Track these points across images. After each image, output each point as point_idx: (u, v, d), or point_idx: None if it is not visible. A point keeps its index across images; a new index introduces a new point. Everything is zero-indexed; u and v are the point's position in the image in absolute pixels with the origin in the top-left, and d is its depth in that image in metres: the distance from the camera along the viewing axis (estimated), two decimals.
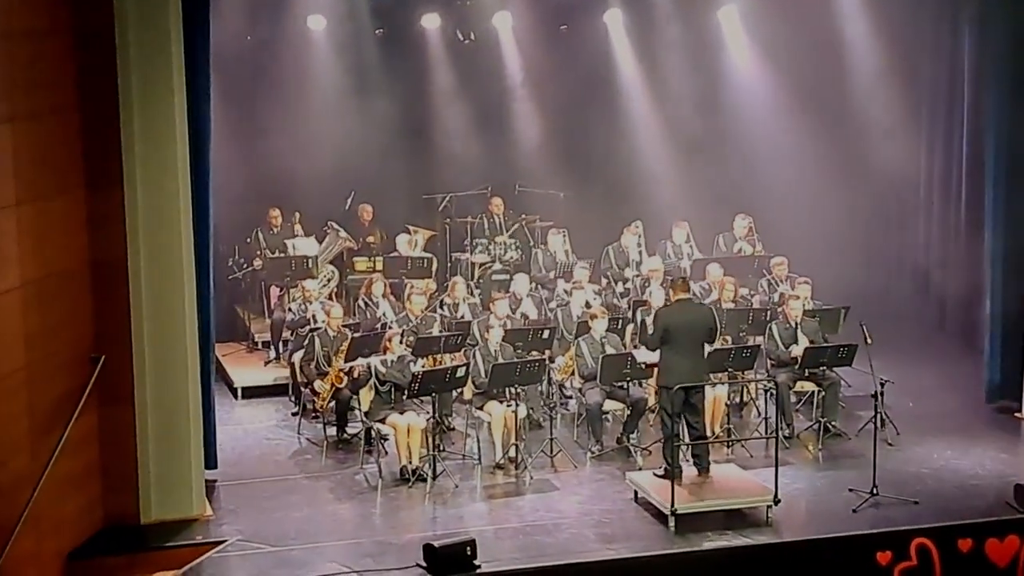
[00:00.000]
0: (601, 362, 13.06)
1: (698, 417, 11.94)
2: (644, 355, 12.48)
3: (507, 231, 18.17)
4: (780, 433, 13.52)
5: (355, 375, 12.75)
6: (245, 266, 16.89)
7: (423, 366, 13.17)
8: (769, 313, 14.58)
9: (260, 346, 16.50)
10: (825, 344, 13.83)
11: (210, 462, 12.38)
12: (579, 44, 18.65)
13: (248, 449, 13.51)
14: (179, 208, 11.08)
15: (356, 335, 13.49)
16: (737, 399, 14.67)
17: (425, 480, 12.36)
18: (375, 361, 12.70)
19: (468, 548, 10.28)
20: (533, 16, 18.40)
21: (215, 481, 12.37)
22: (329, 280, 16.52)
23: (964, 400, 14.91)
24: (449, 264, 18.17)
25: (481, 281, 17.39)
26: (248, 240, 17.28)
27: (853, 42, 17.76)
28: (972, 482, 12.36)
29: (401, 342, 12.86)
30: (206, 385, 12.19)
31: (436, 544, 10.26)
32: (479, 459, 12.95)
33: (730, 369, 13.42)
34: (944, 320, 17.68)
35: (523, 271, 16.95)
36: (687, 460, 12.16)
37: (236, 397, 15.31)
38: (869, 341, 12.97)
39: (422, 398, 12.66)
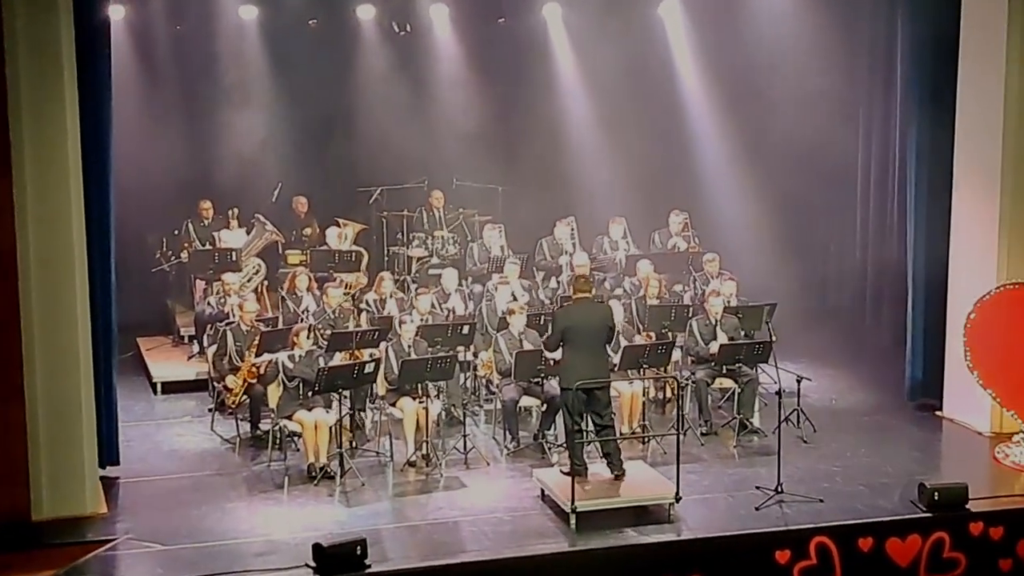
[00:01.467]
0: (515, 358, 12.95)
1: (604, 415, 11.81)
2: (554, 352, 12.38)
3: (446, 225, 18.03)
4: (699, 430, 13.53)
5: (261, 371, 12.61)
6: (172, 258, 16.71)
7: (341, 361, 13.02)
8: (692, 310, 14.47)
9: (186, 340, 16.35)
10: (741, 341, 13.71)
11: (112, 458, 12.26)
12: (517, 37, 18.51)
13: (158, 445, 13.38)
14: (70, 200, 10.95)
15: (266, 330, 13.34)
16: (660, 396, 14.57)
17: (333, 478, 12.23)
18: (282, 357, 12.58)
19: (358, 547, 10.16)
20: (470, 8, 18.27)
21: (116, 478, 12.23)
22: (255, 273, 16.34)
23: (886, 397, 14.86)
24: (386, 258, 18.03)
25: (419, 275, 17.26)
26: (177, 232, 17.13)
27: (791, 35, 17.61)
28: (881, 480, 12.28)
29: (309, 336, 12.67)
30: (107, 381, 12.08)
31: (325, 543, 10.10)
32: (391, 456, 12.81)
33: (646, 366, 13.28)
34: (880, 317, 17.61)
35: (460, 265, 16.88)
36: (601, 458, 12.02)
37: (156, 392, 15.14)
38: (774, 339, 12.83)
39: (341, 394, 12.47)
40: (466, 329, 13.91)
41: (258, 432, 13.34)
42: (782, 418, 12.30)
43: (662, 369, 13.79)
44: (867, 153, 17.92)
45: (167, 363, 15.79)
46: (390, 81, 18.21)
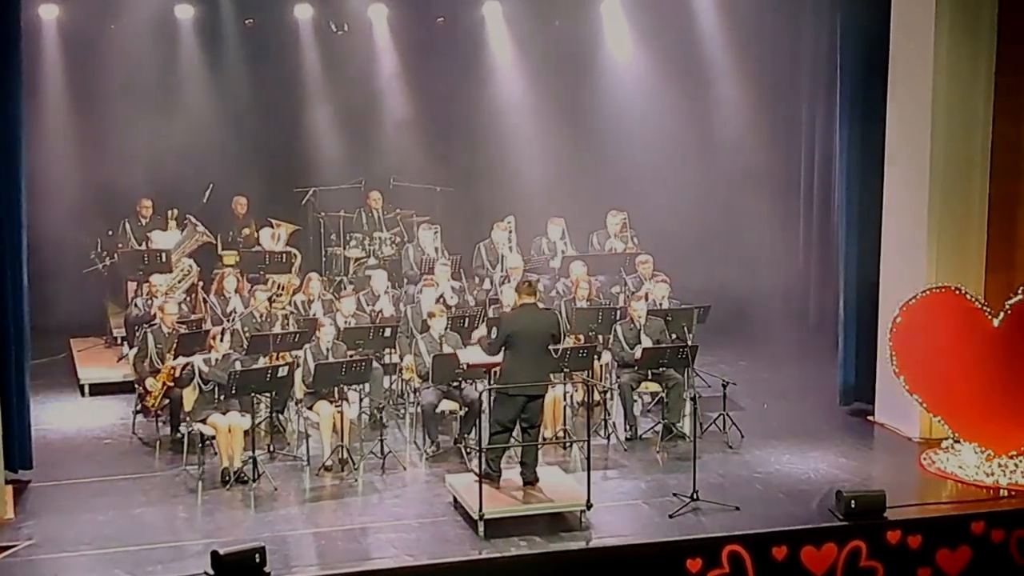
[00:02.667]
0: (432, 361, 12.80)
1: (534, 425, 11.65)
2: (468, 355, 12.21)
3: (386, 226, 17.88)
4: (623, 435, 13.35)
5: (176, 373, 12.44)
6: (106, 258, 16.51)
7: (266, 364, 12.85)
8: (619, 313, 14.32)
9: (119, 341, 16.15)
10: (665, 345, 13.57)
11: (24, 462, 12.08)
12: (456, 37, 18.35)
13: (77, 448, 13.22)
14: None
15: (184, 332, 13.17)
16: (588, 400, 14.38)
17: (246, 482, 12.06)
18: (197, 360, 12.41)
19: (257, 555, 10.00)
20: (409, 8, 18.12)
21: (28, 482, 12.05)
22: (187, 275, 16.14)
23: (821, 403, 14.71)
24: (324, 259, 17.87)
25: (356, 277, 17.09)
26: (111, 232, 16.94)
27: (733, 36, 17.51)
28: (801, 487, 12.15)
29: (223, 340, 12.50)
30: (19, 384, 11.91)
31: (222, 551, 9.93)
32: (307, 461, 12.64)
33: (567, 370, 13.12)
34: (822, 320, 17.49)
35: (396, 267, 16.75)
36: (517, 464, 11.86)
37: (83, 394, 14.96)
38: (689, 343, 12.72)
39: (254, 398, 12.31)
40: (388, 332, 13.74)
41: (178, 435, 13.13)
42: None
43: (587, 373, 13.67)
44: (810, 156, 17.78)
45: (96, 365, 15.58)
46: (328, 81, 18.03)
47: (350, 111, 18.14)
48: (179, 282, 16.03)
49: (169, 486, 12.17)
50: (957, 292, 12.67)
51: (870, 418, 14.12)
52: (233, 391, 11.99)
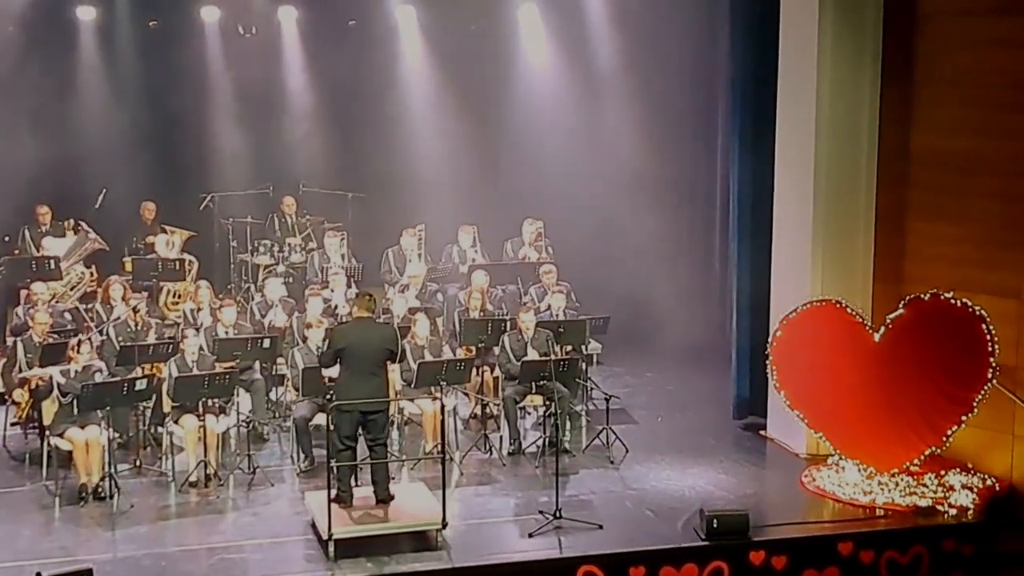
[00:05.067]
0: (302, 374, 12.50)
1: (379, 441, 11.33)
2: (333, 369, 11.89)
3: (299, 232, 17.60)
4: (505, 449, 13.06)
5: (33, 385, 12.13)
6: None
7: (134, 375, 12.55)
8: (509, 324, 14.02)
9: None
10: (543, 358, 13.26)
11: None
12: (368, 40, 18.05)
13: None
14: None
15: (49, 343, 12.84)
16: (477, 413, 14.11)
17: (104, 499, 11.75)
18: (54, 371, 12.09)
19: None
20: (320, 11, 17.82)
21: None
22: (78, 283, 15.81)
23: (717, 416, 14.39)
24: (232, 266, 17.58)
25: (264, 284, 16.75)
26: (7, 238, 16.63)
27: (659, 46, 17.15)
28: (672, 505, 11.86)
29: (79, 351, 12.16)
30: None
31: (46, 574, 9.61)
32: (172, 476, 12.34)
33: (444, 382, 12.79)
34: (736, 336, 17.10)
35: (301, 274, 16.50)
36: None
37: None
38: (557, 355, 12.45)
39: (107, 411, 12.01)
40: (268, 343, 13.43)
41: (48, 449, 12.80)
42: (558, 440, 11.95)
43: (467, 386, 13.41)
44: (725, 175, 17.36)
45: None
46: (235, 85, 17.73)
47: (258, 115, 17.84)
48: (71, 289, 15.68)
49: (23, 502, 11.88)
50: (838, 306, 12.38)
51: (762, 433, 13.82)
52: (84, 404, 11.59)
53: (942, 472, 12.29)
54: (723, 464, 13.02)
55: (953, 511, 11.67)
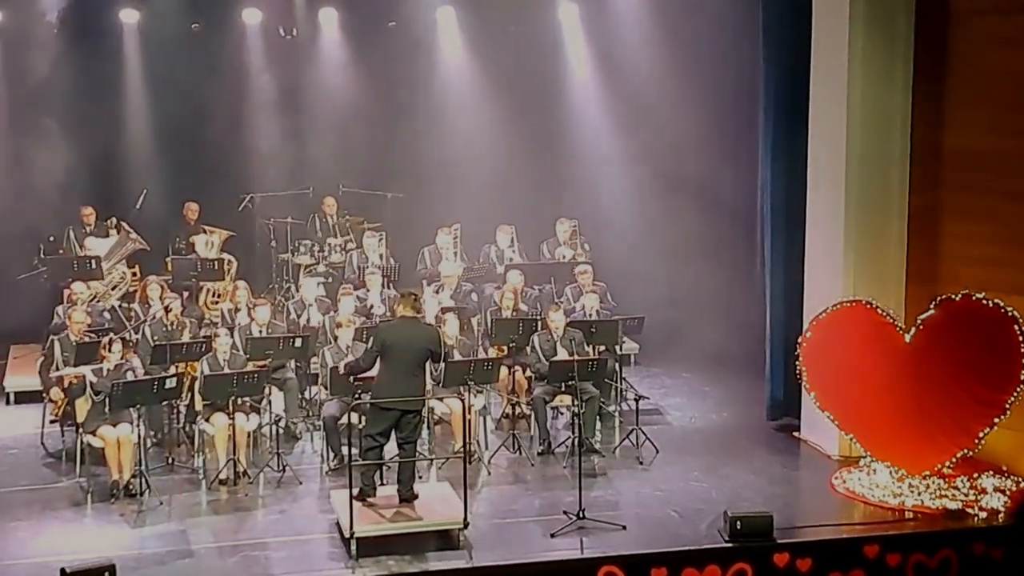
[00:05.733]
0: (329, 373, 12.59)
1: (410, 440, 11.37)
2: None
3: (339, 232, 17.71)
4: (536, 449, 13.05)
5: (66, 384, 12.28)
6: (40, 266, 16.40)
7: (168, 374, 12.68)
8: (540, 324, 14.02)
9: None
10: (577, 358, 13.23)
11: None
12: (408, 41, 18.12)
13: None
14: None
15: (86, 341, 13.00)
16: (509, 412, 14.12)
17: (135, 495, 11.89)
18: (86, 370, 12.24)
19: (107, 573, 9.78)
20: (360, 12, 17.92)
21: None
22: (121, 282, 16.00)
23: (752, 417, 14.33)
24: (274, 266, 17.72)
25: (299, 284, 16.89)
26: (52, 238, 16.86)
27: (693, 47, 17.05)
28: (698, 506, 11.79)
29: (110, 349, 12.30)
30: None
31: (70, 569, 9.74)
32: (203, 474, 12.46)
33: (472, 382, 12.81)
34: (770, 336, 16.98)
35: (341, 274, 16.61)
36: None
37: (8, 402, 14.86)
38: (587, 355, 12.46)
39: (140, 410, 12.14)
40: (299, 342, 13.52)
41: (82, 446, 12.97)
42: (577, 440, 11.94)
43: (499, 385, 13.44)
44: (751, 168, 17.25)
45: (26, 373, 15.42)
46: (275, 85, 17.88)
47: (298, 117, 17.96)
48: (112, 289, 15.87)
49: (57, 499, 12.02)
50: (868, 306, 12.27)
51: (795, 434, 13.72)
52: (114, 403, 11.73)
53: (975, 475, 12.15)
54: (754, 465, 12.95)
55: (984, 514, 11.53)
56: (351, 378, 11.87)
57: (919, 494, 11.90)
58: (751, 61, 14.62)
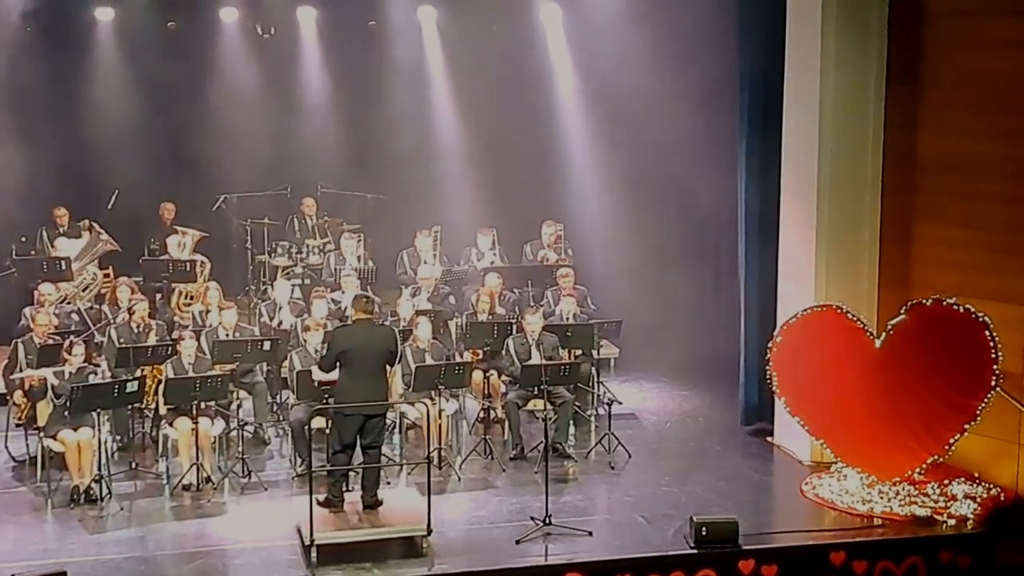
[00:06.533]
0: (296, 377, 12.46)
1: (375, 445, 11.25)
2: (320, 373, 11.80)
3: (318, 234, 17.58)
4: (508, 454, 12.94)
5: (26, 387, 12.15)
6: (9, 267, 16.26)
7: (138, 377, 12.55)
8: (515, 327, 13.88)
9: None
10: (549, 362, 13.10)
11: None
12: (388, 41, 17.97)
13: None
14: None
15: (48, 344, 12.86)
16: (484, 416, 13.97)
17: (95, 501, 11.75)
18: (48, 372, 12.11)
19: None
20: (339, 11, 17.78)
21: None
22: (91, 283, 15.86)
23: (725, 422, 14.21)
24: (251, 268, 17.58)
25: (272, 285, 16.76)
26: (24, 239, 16.72)
27: (678, 58, 16.88)
28: (667, 512, 11.67)
29: (71, 352, 12.16)
30: None
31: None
32: (167, 479, 12.33)
33: (442, 386, 12.68)
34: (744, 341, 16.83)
35: (318, 276, 16.49)
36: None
37: None
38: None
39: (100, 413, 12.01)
40: (268, 345, 13.38)
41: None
42: (547, 444, 11.80)
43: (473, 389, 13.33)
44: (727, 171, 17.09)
45: None
46: (253, 84, 17.73)
47: (276, 116, 17.83)
48: (83, 290, 15.73)
49: (17, 504, 11.90)
50: (838, 311, 12.14)
51: (769, 440, 13.59)
52: (73, 406, 11.60)
53: (945, 481, 12.03)
54: (725, 471, 12.83)
55: (952, 521, 11.41)
56: (316, 383, 11.71)
57: (888, 500, 11.78)
58: (729, 64, 14.47)
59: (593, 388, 13.97)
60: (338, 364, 11.26)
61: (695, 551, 10.79)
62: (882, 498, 11.81)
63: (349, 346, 11.19)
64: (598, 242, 17.13)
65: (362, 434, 11.15)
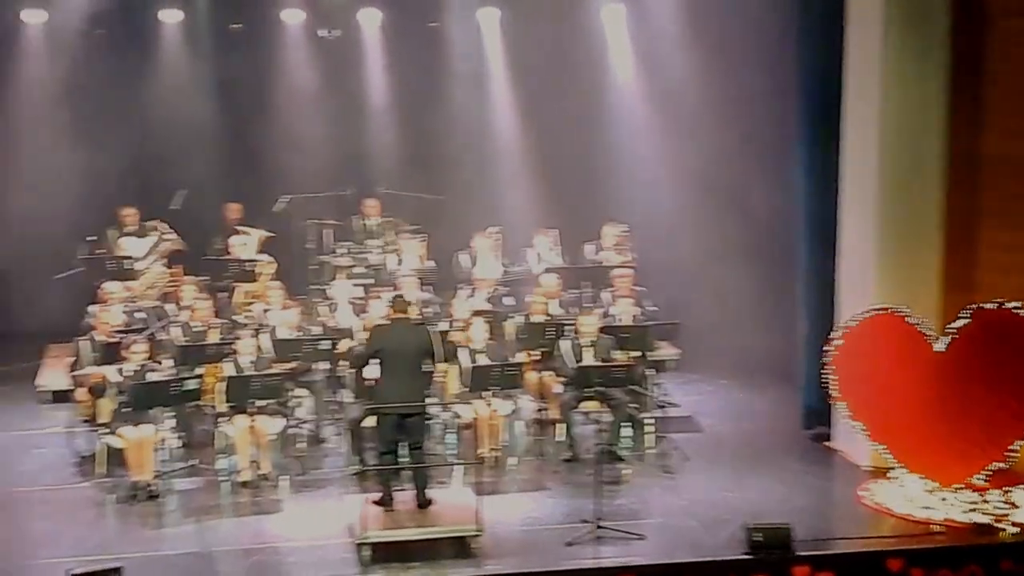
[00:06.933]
0: (352, 377, 12.52)
1: (418, 445, 11.27)
2: (372, 371, 11.84)
3: (379, 234, 17.65)
4: (562, 455, 12.90)
5: (88, 384, 12.31)
6: (77, 265, 16.47)
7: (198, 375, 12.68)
8: (569, 328, 13.85)
9: None
10: (602, 363, 13.05)
11: None
12: (450, 41, 18.03)
13: (3, 457, 13.18)
14: None
15: (111, 341, 13.03)
16: (541, 416, 13.94)
17: (155, 497, 11.88)
18: (110, 370, 12.26)
19: None
20: (402, 12, 17.86)
21: None
22: (157, 282, 16.04)
23: (785, 426, 14.07)
24: (313, 268, 17.66)
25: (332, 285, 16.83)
26: (93, 238, 16.92)
27: (730, 52, 16.78)
28: (722, 517, 11.55)
29: (131, 349, 12.31)
30: None
31: (75, 572, 9.72)
32: (228, 476, 12.45)
33: (496, 387, 12.68)
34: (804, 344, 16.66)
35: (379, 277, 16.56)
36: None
37: (42, 402, 14.93)
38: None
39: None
40: (326, 344, 13.45)
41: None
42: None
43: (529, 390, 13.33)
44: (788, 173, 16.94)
45: (62, 372, 15.50)
46: (316, 86, 17.86)
47: (339, 118, 17.93)
48: (148, 289, 15.91)
49: (79, 500, 12.04)
50: (898, 314, 12.00)
51: (828, 444, 13.45)
52: (133, 404, 11.74)
53: (1007, 489, 11.83)
54: (783, 475, 12.71)
55: (1015, 529, 11.21)
56: (365, 381, 11.77)
57: (948, 507, 11.61)
58: (789, 64, 14.34)
59: (649, 390, 13.87)
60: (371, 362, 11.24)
61: (748, 556, 10.67)
62: (942, 504, 11.65)
63: (382, 345, 11.29)
64: (658, 243, 17.01)
65: (403, 434, 11.16)
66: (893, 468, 12.34)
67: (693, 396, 15.24)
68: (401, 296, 11.74)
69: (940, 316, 12.54)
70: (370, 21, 17.91)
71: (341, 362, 13.66)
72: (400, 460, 11.37)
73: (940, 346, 11.90)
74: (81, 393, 13.11)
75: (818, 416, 13.76)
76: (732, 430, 14.14)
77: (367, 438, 12.62)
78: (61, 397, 14.83)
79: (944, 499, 11.76)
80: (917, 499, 11.79)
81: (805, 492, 12.35)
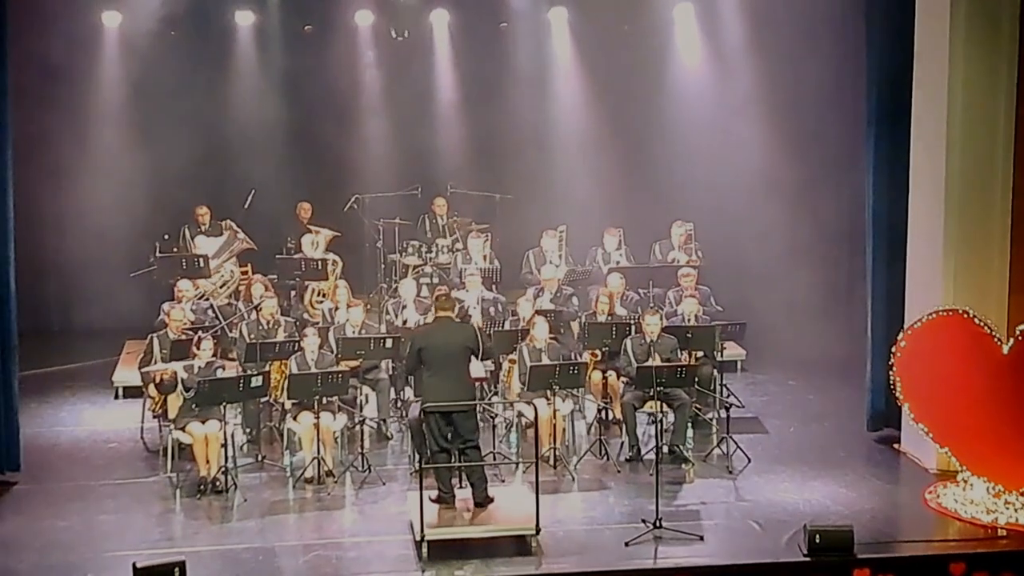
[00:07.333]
0: (415, 377, 12.59)
1: (470, 443, 11.33)
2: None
3: (448, 233, 17.78)
4: (623, 455, 12.91)
5: (157, 380, 12.52)
6: (151, 264, 16.76)
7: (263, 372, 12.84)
8: (634, 328, 13.86)
9: None
10: (665, 364, 13.04)
11: (12, 464, 12.36)
12: (519, 42, 18.12)
13: (77, 452, 13.37)
14: None
15: (178, 339, 13.24)
16: (603, 417, 13.95)
17: (221, 492, 12.06)
18: (178, 366, 12.46)
19: (177, 569, 9.93)
20: (471, 13, 17.98)
21: (14, 484, 12.30)
22: (229, 280, 16.28)
23: (851, 428, 13.95)
24: (383, 267, 17.85)
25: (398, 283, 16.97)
26: (167, 237, 17.22)
27: (808, 55, 16.70)
28: (783, 518, 11.50)
29: (199, 347, 12.50)
30: (5, 386, 12.17)
31: (139, 565, 9.91)
32: (290, 472, 12.60)
33: (557, 386, 12.71)
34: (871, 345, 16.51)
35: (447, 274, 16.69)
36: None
37: (116, 396, 15.20)
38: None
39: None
40: (389, 343, 13.57)
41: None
42: (659, 447, 11.77)
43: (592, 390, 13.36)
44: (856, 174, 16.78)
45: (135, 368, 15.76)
46: (387, 87, 18.01)
47: (409, 117, 18.07)
48: (220, 287, 16.15)
49: (147, 493, 12.24)
50: (965, 316, 11.86)
51: (895, 446, 13.34)
52: (199, 400, 11.93)
53: None
54: (848, 478, 12.60)
55: None
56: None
57: (1014, 511, 11.46)
58: (857, 62, 14.25)
59: (714, 390, 13.84)
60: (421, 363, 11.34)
61: (808, 559, 10.62)
62: (1008, 508, 11.51)
63: (426, 344, 11.31)
64: (726, 242, 17.01)
65: (454, 432, 11.21)
66: (960, 471, 12.19)
67: (760, 397, 15.18)
68: (445, 294, 11.77)
69: (1007, 318, 12.36)
70: (440, 22, 17.99)
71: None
72: (452, 459, 11.40)
73: (1006, 348, 11.72)
74: (151, 389, 13.30)
75: (884, 418, 13.65)
76: (798, 431, 14.05)
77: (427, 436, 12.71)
78: (133, 392, 15.10)
79: (1009, 503, 11.59)
80: (982, 502, 11.64)
81: (869, 495, 12.23)
